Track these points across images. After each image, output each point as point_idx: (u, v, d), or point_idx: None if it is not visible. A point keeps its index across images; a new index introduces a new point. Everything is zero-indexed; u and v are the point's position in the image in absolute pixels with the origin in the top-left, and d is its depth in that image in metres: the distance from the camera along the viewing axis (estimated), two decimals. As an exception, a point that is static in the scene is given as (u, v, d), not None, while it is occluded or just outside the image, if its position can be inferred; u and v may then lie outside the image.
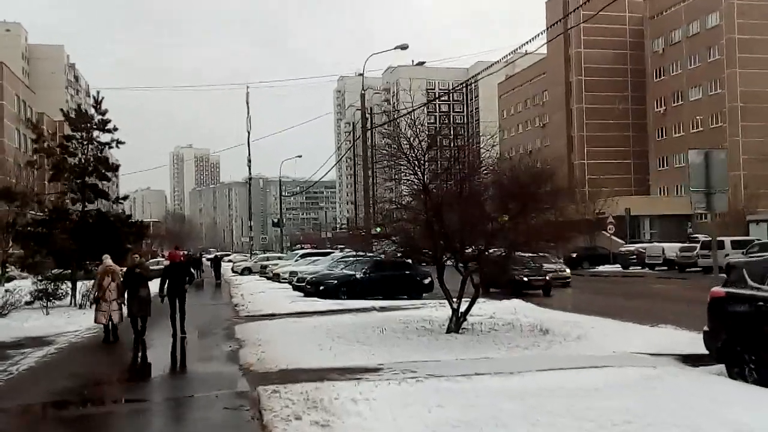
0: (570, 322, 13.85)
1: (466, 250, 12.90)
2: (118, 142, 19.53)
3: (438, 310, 16.94)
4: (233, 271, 45.77)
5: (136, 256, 14.18)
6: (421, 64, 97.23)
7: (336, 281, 21.44)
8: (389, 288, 21.58)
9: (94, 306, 13.71)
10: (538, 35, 62.81)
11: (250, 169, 61.07)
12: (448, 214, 12.55)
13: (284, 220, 73.69)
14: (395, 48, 31.95)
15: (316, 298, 20.73)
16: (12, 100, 57.93)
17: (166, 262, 25.04)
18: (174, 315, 13.32)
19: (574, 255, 42.69)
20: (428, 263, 13.43)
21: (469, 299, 13.23)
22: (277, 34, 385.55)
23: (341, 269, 23.02)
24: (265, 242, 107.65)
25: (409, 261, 21.60)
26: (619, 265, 42.89)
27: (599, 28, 72.39)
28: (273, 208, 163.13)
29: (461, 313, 12.90)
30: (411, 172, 13.19)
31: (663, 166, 70.00)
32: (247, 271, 43.60)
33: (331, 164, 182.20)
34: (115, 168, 20.88)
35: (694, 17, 65.23)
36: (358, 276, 21.56)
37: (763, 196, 53.29)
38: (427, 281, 22.27)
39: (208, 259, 51.92)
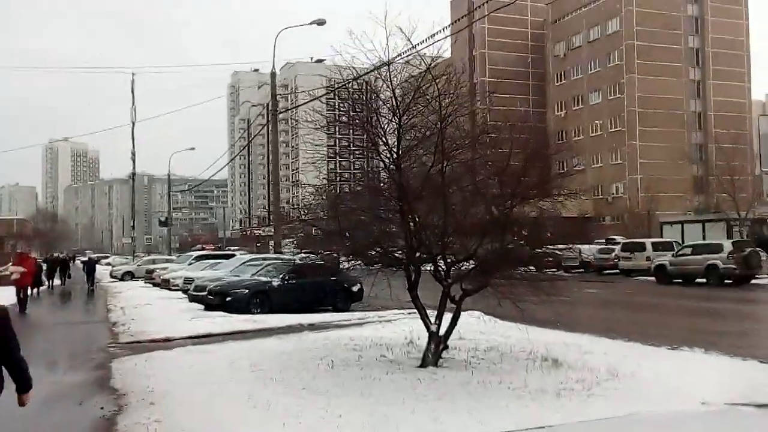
0: (570, 344, 10.71)
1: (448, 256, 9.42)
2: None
3: (385, 328, 13.47)
4: (112, 276, 39.84)
5: None
6: (320, 61, 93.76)
7: (247, 291, 17.22)
8: (312, 298, 17.80)
9: None
10: (440, 31, 60.75)
11: (134, 162, 55.09)
12: (430, 202, 9.03)
13: (172, 219, 67.24)
14: (311, 23, 27.95)
15: (221, 313, 16.48)
16: None
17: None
18: None
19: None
20: (396, 267, 9.71)
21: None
22: (162, 29, 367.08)
23: (252, 275, 18.82)
24: (150, 244, 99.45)
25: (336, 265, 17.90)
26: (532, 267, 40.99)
27: (502, 30, 71.82)
28: (159, 207, 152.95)
29: (441, 337, 9.37)
30: (372, 145, 9.59)
31: (562, 169, 70.24)
32: (128, 275, 37.89)
33: (224, 161, 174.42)
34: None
35: (595, 23, 65.86)
36: (275, 284, 17.46)
37: (662, 199, 53.90)
38: (356, 289, 18.59)
39: (82, 262, 46.06)
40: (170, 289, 25.21)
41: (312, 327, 13.88)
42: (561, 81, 70.26)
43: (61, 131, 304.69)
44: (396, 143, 9.00)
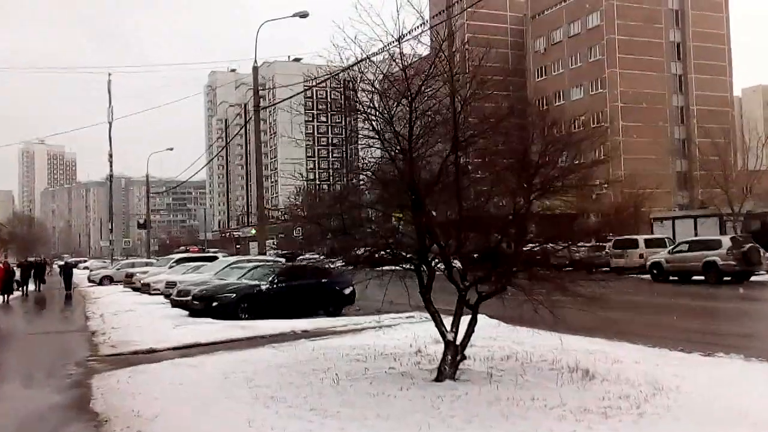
0: (596, 352, 9.84)
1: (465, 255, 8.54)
2: None
3: (386, 335, 12.53)
4: (90, 281, 38.46)
5: None
6: (298, 60, 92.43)
7: (235, 295, 16.17)
8: (303, 302, 16.79)
9: None
10: (419, 26, 60.10)
11: (111, 163, 53.72)
12: (444, 195, 8.13)
13: (150, 222, 65.65)
14: (294, 15, 26.99)
15: (207, 319, 15.43)
16: None
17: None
18: None
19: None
20: (407, 268, 8.77)
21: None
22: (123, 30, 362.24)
23: (238, 278, 17.76)
24: (128, 247, 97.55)
25: (327, 267, 16.91)
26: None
27: (481, 26, 71.09)
28: (137, 209, 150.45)
29: (458, 347, 8.45)
30: (375, 133, 8.64)
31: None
32: (107, 280, 36.55)
33: (201, 162, 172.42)
34: None
35: (575, 17, 65.25)
36: (263, 287, 16.44)
37: (646, 195, 53.43)
38: (347, 291, 17.68)
39: (59, 266, 44.67)
40: (151, 294, 24.11)
41: (307, 334, 12.90)
42: (542, 77, 69.69)
43: (37, 134, 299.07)
44: (407, 130, 8.06)
